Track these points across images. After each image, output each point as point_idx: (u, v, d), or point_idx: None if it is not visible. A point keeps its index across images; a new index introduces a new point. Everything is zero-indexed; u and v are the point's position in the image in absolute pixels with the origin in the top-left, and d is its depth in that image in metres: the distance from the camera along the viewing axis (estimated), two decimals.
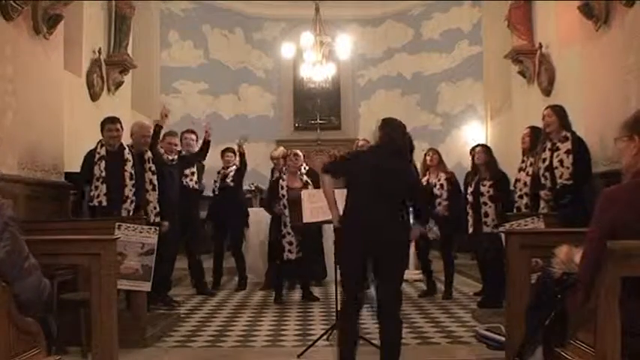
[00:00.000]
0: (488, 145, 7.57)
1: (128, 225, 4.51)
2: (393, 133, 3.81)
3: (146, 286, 4.58)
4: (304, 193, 5.27)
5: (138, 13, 8.60)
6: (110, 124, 5.45)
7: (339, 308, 3.67)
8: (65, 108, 6.10)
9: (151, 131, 5.98)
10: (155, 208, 5.73)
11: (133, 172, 5.42)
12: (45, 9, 5.37)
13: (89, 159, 5.39)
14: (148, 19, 10.44)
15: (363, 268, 3.71)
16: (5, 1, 4.73)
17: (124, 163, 5.38)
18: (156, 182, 5.76)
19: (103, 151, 5.36)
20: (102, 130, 5.46)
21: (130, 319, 4.51)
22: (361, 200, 3.68)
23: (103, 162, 5.32)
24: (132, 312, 4.67)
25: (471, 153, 7.12)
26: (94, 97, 7.38)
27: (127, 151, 5.46)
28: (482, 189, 6.05)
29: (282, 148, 8.23)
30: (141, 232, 4.54)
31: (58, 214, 5.60)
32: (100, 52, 7.56)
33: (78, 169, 5.96)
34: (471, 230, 6.14)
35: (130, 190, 5.37)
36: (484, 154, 6.20)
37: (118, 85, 8.04)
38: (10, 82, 4.91)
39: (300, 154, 6.93)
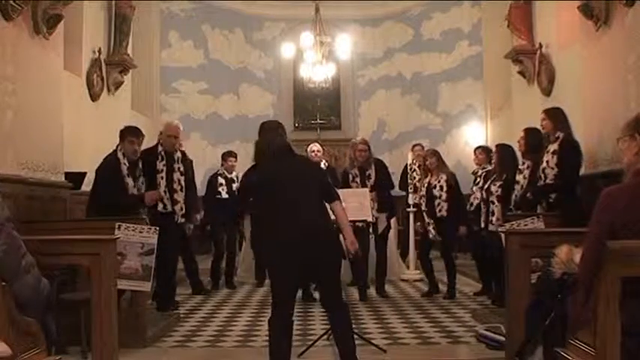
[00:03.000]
0: (487, 145, 7.60)
1: (128, 225, 4.50)
2: (269, 134, 3.76)
3: (146, 286, 4.57)
4: None
5: (138, 13, 8.60)
6: (134, 137, 5.32)
7: (270, 317, 3.57)
8: (65, 108, 6.09)
9: (179, 132, 6.02)
10: (182, 209, 5.81)
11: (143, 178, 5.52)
12: (45, 9, 5.36)
13: (115, 167, 5.22)
14: (148, 19, 10.45)
15: (298, 278, 3.67)
16: (5, 1, 4.73)
17: (140, 171, 5.46)
18: (183, 183, 5.86)
19: (126, 161, 5.27)
20: (123, 139, 5.32)
21: (130, 319, 4.50)
22: (280, 213, 3.56)
23: (131, 178, 5.29)
24: (132, 312, 4.67)
25: (475, 152, 7.14)
26: (94, 97, 7.38)
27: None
28: (493, 188, 6.04)
29: None
30: (141, 232, 4.53)
31: (58, 214, 5.60)
32: (100, 52, 7.56)
33: (78, 169, 5.97)
34: (483, 226, 6.16)
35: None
36: (497, 153, 6.18)
37: (118, 85, 8.04)
38: (10, 82, 4.90)
39: (318, 148, 7.22)
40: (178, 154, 5.93)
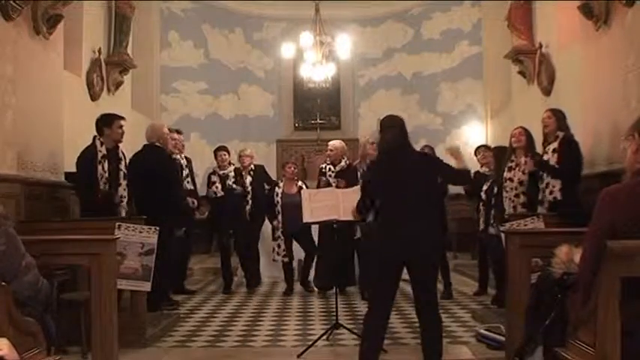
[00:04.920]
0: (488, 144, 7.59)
1: (128, 225, 4.50)
2: (388, 133, 3.77)
3: (146, 286, 4.57)
4: (305, 192, 5.27)
5: (138, 13, 8.60)
6: (120, 120, 5.40)
7: (368, 307, 3.70)
8: (65, 108, 6.10)
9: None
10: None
11: (125, 171, 5.50)
12: (45, 9, 5.37)
13: (90, 159, 5.25)
14: (148, 19, 10.45)
15: (397, 278, 3.68)
16: (5, 1, 4.73)
17: (119, 160, 5.44)
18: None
19: (103, 150, 5.29)
20: (110, 124, 5.34)
21: (130, 319, 4.50)
22: (393, 214, 3.61)
23: (106, 162, 5.30)
24: (132, 312, 4.67)
25: (475, 152, 7.13)
26: (94, 97, 7.38)
27: (120, 149, 5.50)
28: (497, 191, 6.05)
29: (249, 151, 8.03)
30: (141, 232, 4.53)
31: (58, 214, 5.60)
32: (100, 52, 7.56)
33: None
34: (482, 227, 6.16)
35: (124, 189, 5.43)
36: (495, 156, 6.17)
37: (118, 85, 8.04)
38: (10, 82, 4.91)
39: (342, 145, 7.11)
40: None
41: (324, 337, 4.62)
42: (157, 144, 5.81)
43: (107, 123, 5.36)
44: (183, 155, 6.95)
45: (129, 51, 8.16)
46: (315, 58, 9.90)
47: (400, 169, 3.63)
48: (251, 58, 12.75)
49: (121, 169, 5.44)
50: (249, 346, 4.70)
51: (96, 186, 5.20)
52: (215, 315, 5.90)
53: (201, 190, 7.81)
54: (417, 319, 5.45)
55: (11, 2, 4.76)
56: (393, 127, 3.78)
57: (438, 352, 3.56)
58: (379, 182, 3.75)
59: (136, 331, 4.52)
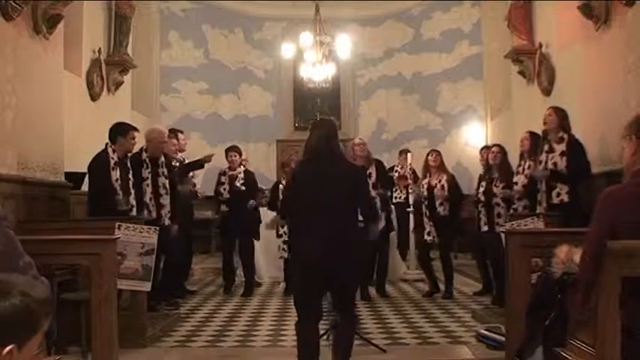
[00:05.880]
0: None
1: (128, 225, 4.49)
2: (318, 141, 3.62)
3: (146, 286, 4.57)
4: None
5: (138, 13, 8.60)
6: (135, 131, 5.37)
7: (296, 320, 3.59)
8: (65, 108, 6.09)
9: (165, 136, 6.08)
10: (168, 212, 5.82)
11: (133, 180, 5.47)
12: (45, 9, 5.37)
13: (106, 165, 5.18)
14: (148, 19, 10.45)
15: (318, 290, 3.58)
16: (5, 1, 4.73)
17: (128, 170, 5.42)
18: (168, 187, 5.85)
19: (115, 157, 5.23)
20: (125, 134, 5.29)
21: (130, 319, 4.50)
22: (308, 224, 3.49)
23: (118, 170, 5.25)
24: (132, 312, 4.66)
25: (481, 152, 7.14)
26: (94, 97, 7.38)
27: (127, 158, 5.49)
28: (495, 190, 6.05)
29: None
30: (141, 232, 4.52)
31: (58, 214, 5.60)
32: (100, 52, 7.56)
33: (78, 169, 5.96)
34: (485, 229, 6.16)
35: (133, 198, 5.41)
36: (501, 155, 6.19)
37: (118, 85, 8.04)
38: (10, 82, 4.90)
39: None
40: (162, 158, 5.89)
41: (324, 337, 4.61)
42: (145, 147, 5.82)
43: (123, 132, 5.31)
44: (182, 156, 6.94)
45: (129, 51, 8.16)
46: (315, 58, 9.91)
47: (321, 174, 3.50)
48: (251, 58, 12.75)
49: (130, 179, 5.40)
50: (249, 346, 4.70)
51: (112, 192, 5.15)
52: (215, 315, 5.90)
53: (210, 190, 7.62)
54: (416, 319, 5.53)
55: (11, 2, 4.76)
56: (320, 128, 3.67)
57: (344, 350, 3.54)
58: (300, 184, 3.60)
59: (136, 331, 4.51)
